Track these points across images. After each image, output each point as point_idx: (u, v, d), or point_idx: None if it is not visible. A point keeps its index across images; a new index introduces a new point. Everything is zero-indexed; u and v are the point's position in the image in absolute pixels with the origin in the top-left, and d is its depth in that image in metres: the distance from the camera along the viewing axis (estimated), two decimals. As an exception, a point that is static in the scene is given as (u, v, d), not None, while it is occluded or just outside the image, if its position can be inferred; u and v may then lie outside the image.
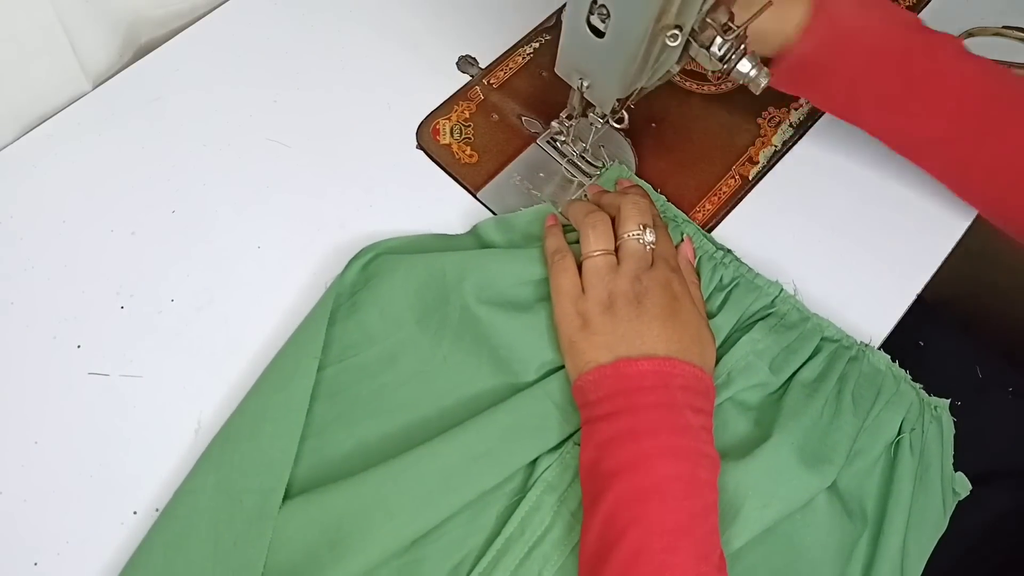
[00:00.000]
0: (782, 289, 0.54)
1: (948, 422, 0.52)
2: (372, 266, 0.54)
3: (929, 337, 0.56)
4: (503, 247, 0.55)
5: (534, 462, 0.49)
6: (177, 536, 0.47)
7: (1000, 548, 0.63)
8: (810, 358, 0.53)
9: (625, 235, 0.51)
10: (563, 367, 0.50)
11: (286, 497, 0.47)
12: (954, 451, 0.52)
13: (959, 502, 0.51)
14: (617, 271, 0.49)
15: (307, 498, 0.47)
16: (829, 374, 0.52)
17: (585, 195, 0.58)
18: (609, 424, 0.45)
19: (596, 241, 0.50)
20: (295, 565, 0.46)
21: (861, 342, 0.54)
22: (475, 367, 0.52)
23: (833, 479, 0.49)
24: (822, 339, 0.53)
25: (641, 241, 0.50)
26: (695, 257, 0.55)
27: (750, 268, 0.55)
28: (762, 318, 0.54)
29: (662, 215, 0.56)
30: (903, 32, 0.52)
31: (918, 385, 0.53)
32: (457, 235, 0.58)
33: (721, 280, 0.54)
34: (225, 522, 0.47)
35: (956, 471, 0.52)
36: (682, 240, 0.55)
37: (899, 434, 0.51)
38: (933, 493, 0.51)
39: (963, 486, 0.52)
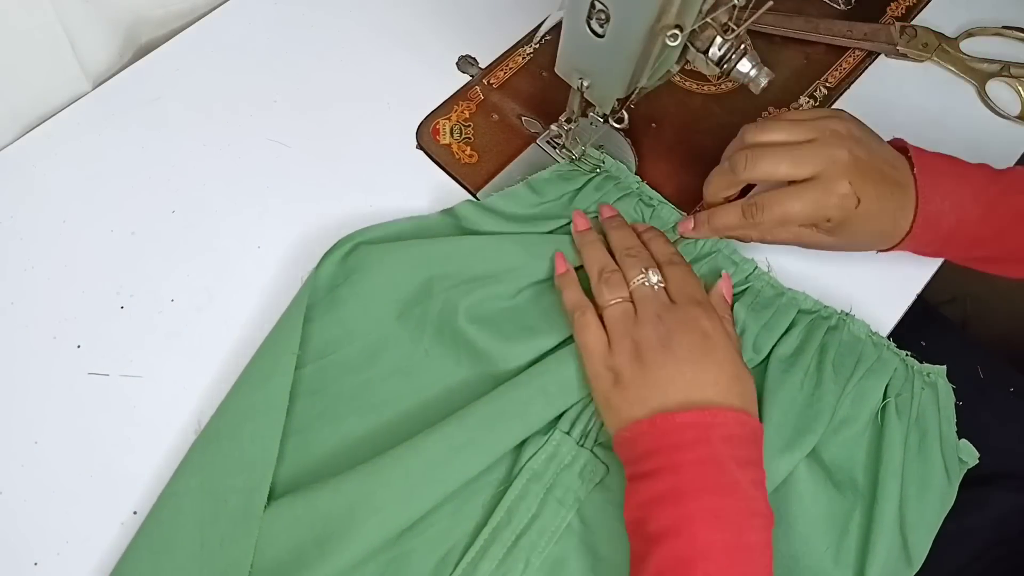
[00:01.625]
0: (756, 266, 0.55)
1: (945, 388, 0.52)
2: (351, 259, 0.54)
3: (929, 337, 0.55)
4: (483, 231, 0.55)
5: (519, 450, 0.50)
6: (163, 539, 0.47)
7: (1003, 550, 0.63)
8: (786, 332, 0.53)
9: (631, 283, 0.50)
10: (547, 354, 0.51)
11: (271, 495, 0.48)
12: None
13: (959, 503, 0.51)
14: (636, 318, 0.49)
15: (292, 496, 0.47)
16: (807, 346, 0.53)
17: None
18: (650, 484, 0.44)
19: (610, 292, 0.50)
20: (282, 563, 0.46)
21: (842, 311, 0.54)
22: (456, 359, 0.52)
23: (812, 447, 0.49)
24: (798, 312, 0.54)
25: (647, 284, 0.50)
26: (731, 293, 0.54)
27: (728, 243, 0.55)
28: (738, 295, 0.54)
29: (637, 193, 0.57)
30: (992, 205, 0.52)
31: (904, 352, 0.53)
32: (433, 217, 0.57)
33: (700, 249, 0.56)
34: (210, 523, 0.47)
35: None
36: (720, 277, 0.54)
37: (885, 399, 0.51)
38: (933, 461, 0.50)
39: (970, 454, 0.51)
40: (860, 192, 0.49)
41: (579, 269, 0.54)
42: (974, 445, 0.52)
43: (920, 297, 0.58)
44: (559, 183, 0.58)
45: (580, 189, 0.58)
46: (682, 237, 0.56)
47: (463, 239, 0.55)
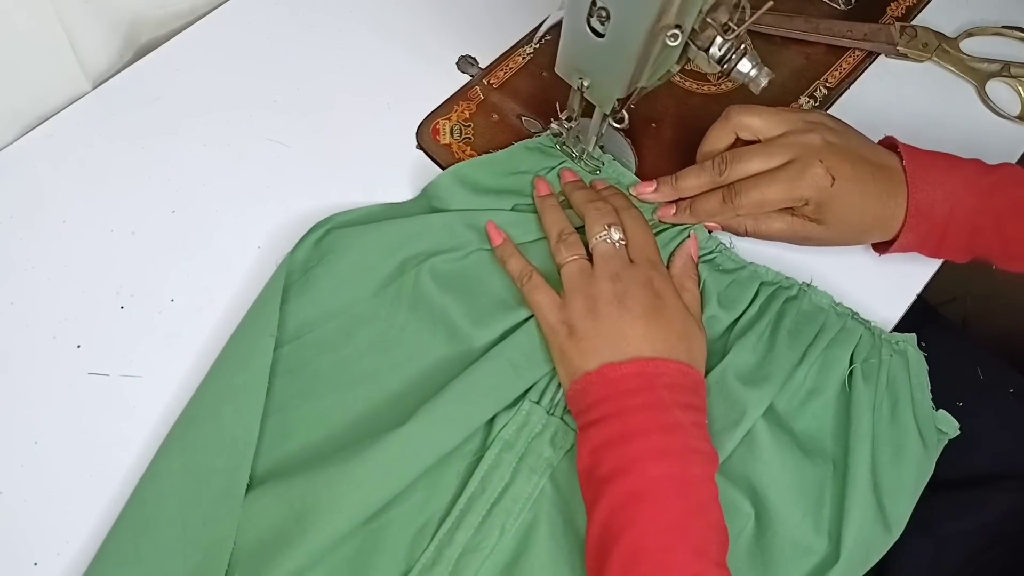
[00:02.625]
0: (720, 242, 0.56)
1: (916, 355, 0.53)
2: (325, 241, 0.55)
3: (929, 337, 0.56)
4: (454, 207, 0.56)
5: (491, 421, 0.50)
6: (145, 520, 0.47)
7: (1003, 551, 0.63)
8: (749, 305, 0.54)
9: (593, 239, 0.52)
10: (518, 326, 0.52)
11: (252, 475, 0.48)
12: (956, 444, 0.52)
13: (958, 504, 0.51)
14: (593, 274, 0.50)
15: (273, 476, 0.48)
16: (764, 313, 0.54)
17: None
18: (599, 430, 0.46)
19: (568, 250, 0.52)
20: (263, 542, 0.46)
21: (803, 282, 0.55)
22: (432, 333, 0.53)
23: (763, 407, 0.50)
24: (761, 284, 0.55)
25: (609, 241, 0.51)
26: (698, 252, 0.55)
27: (699, 227, 0.56)
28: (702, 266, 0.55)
29: (618, 183, 0.58)
30: (987, 194, 0.53)
31: (870, 321, 0.53)
32: (409, 201, 0.58)
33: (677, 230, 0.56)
34: (192, 504, 0.47)
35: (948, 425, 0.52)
36: (687, 237, 0.55)
37: (851, 366, 0.52)
38: (907, 427, 0.51)
39: (949, 425, 0.52)
40: (835, 171, 0.51)
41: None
42: (973, 446, 0.52)
43: (920, 297, 0.58)
44: (537, 155, 0.59)
45: (554, 168, 0.59)
46: (661, 222, 0.56)
47: (433, 217, 0.56)
